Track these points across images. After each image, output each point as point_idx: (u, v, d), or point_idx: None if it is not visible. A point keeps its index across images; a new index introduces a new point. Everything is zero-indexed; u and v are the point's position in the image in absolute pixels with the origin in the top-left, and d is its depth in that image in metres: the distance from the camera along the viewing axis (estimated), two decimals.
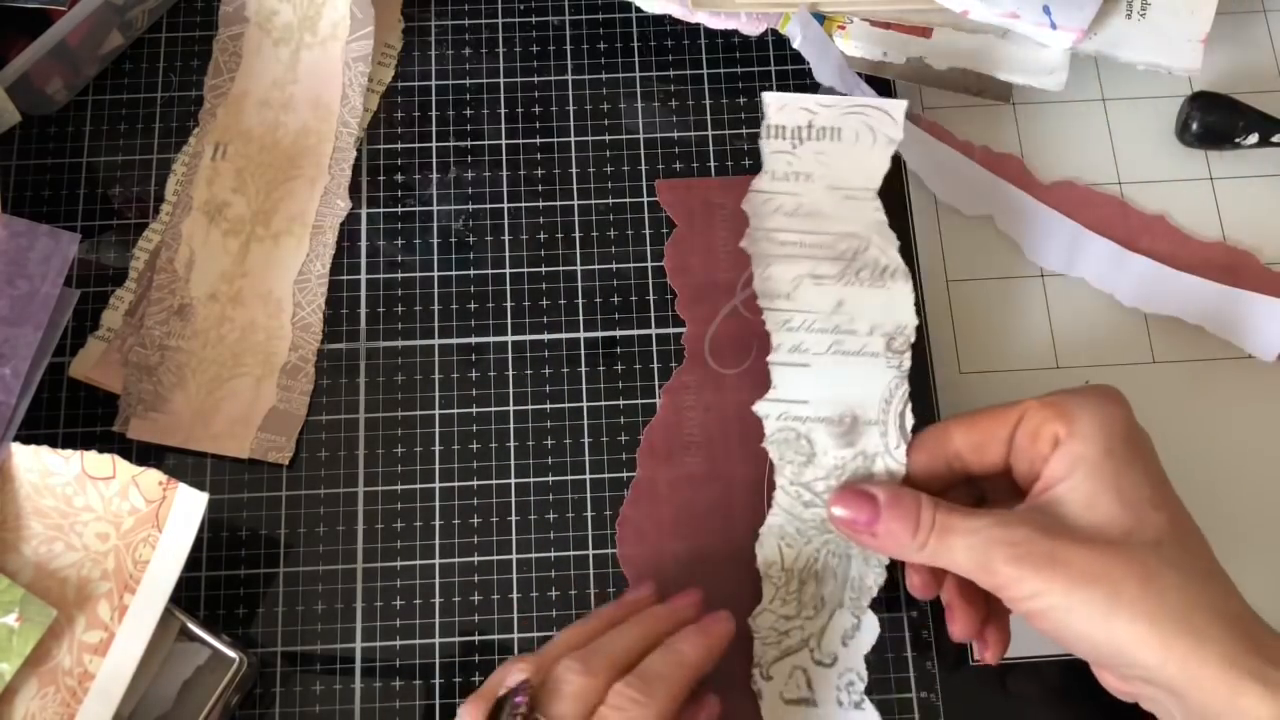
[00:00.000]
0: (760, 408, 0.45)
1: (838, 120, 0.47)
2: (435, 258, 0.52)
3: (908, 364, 0.45)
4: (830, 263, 0.45)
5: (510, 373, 0.50)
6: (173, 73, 0.54)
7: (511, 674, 0.39)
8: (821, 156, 0.47)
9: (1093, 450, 0.38)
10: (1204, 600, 0.36)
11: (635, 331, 0.51)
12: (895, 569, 0.47)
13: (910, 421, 0.45)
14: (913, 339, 0.45)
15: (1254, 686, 0.35)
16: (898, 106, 0.47)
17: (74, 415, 0.49)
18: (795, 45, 0.51)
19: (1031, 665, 0.46)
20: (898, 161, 0.52)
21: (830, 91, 0.52)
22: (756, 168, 0.53)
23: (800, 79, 0.54)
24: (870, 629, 0.45)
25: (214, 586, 0.47)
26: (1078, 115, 0.54)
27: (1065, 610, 0.37)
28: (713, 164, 0.53)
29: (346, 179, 0.52)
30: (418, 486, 0.49)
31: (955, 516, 0.39)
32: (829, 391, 0.45)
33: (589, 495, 0.48)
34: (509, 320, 0.51)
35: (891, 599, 0.47)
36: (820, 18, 0.51)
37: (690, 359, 0.49)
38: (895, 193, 0.53)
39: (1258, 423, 0.50)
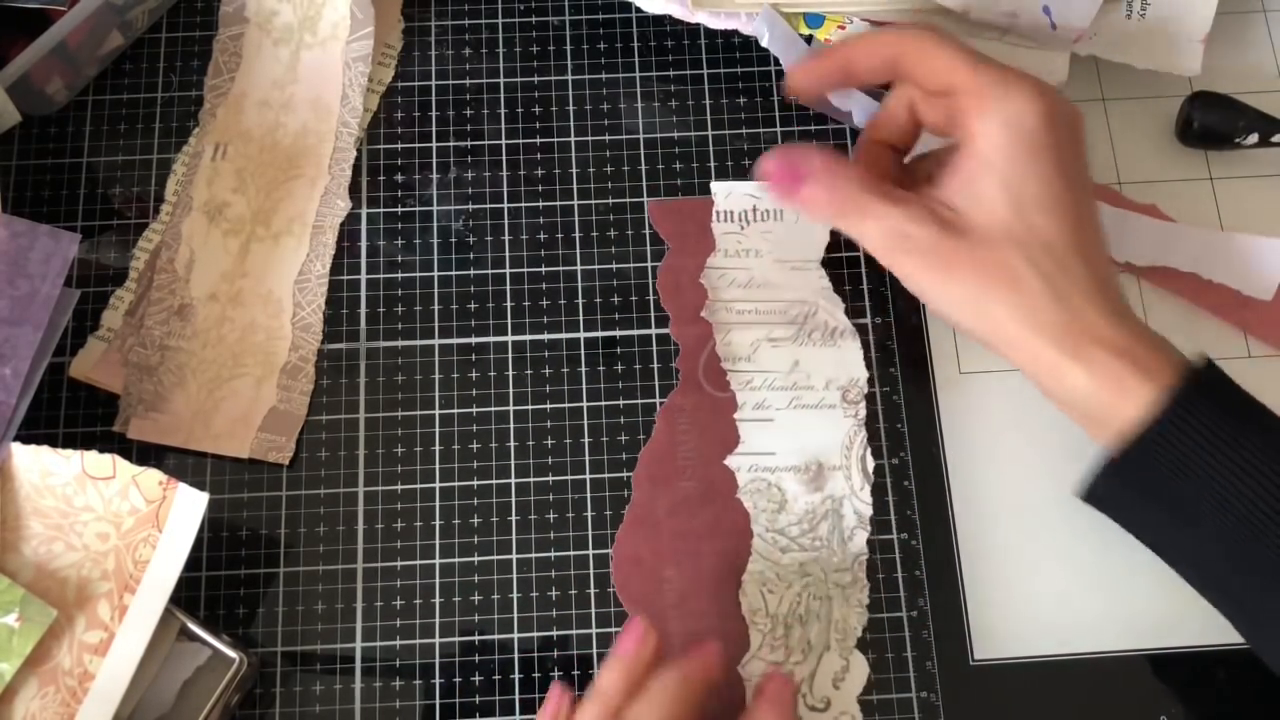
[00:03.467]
0: (732, 461, 0.48)
1: (778, 203, 0.52)
2: (435, 258, 0.52)
3: (863, 413, 0.49)
4: (784, 327, 0.50)
5: (510, 373, 0.50)
6: (173, 73, 0.54)
7: None
8: (768, 235, 0.51)
9: (997, 156, 0.41)
10: (1054, 299, 0.40)
11: (635, 331, 0.51)
12: (881, 592, 0.48)
13: (871, 464, 0.48)
14: (865, 390, 0.49)
15: (1075, 366, 0.39)
16: None
17: (74, 415, 0.49)
18: (764, 43, 0.52)
19: (1032, 665, 0.46)
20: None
21: (787, 117, 0.54)
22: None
23: None
24: (859, 669, 0.46)
25: (214, 586, 0.47)
26: None
27: (947, 302, 0.42)
28: (713, 164, 0.53)
29: (346, 179, 0.52)
30: (418, 486, 0.49)
31: (873, 200, 0.42)
32: (793, 442, 0.49)
33: (589, 495, 0.48)
34: (509, 320, 0.51)
35: (891, 599, 0.47)
36: (820, 18, 0.52)
37: (684, 382, 0.49)
38: None
39: None
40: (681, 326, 0.50)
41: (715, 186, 0.52)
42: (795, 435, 0.49)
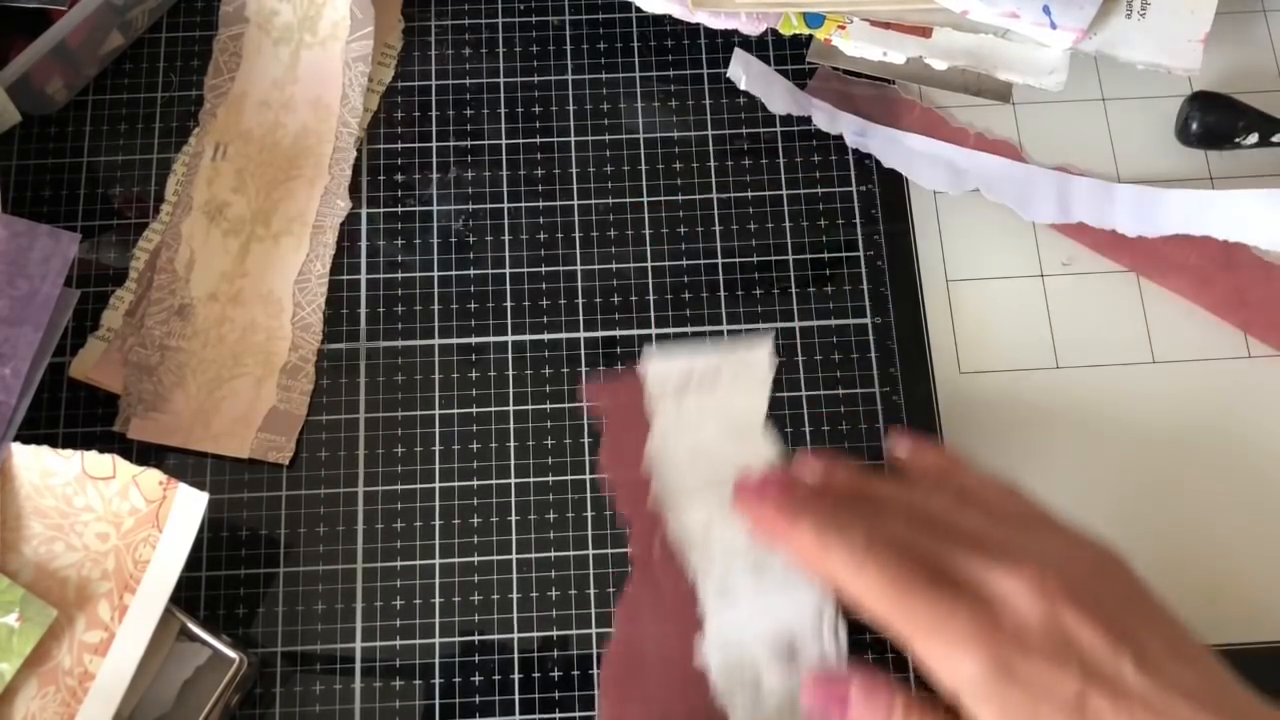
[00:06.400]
0: (701, 650, 0.45)
1: (713, 369, 0.49)
2: (435, 258, 0.52)
3: None
4: None
5: (510, 373, 0.50)
6: (173, 73, 0.54)
7: None
8: (705, 405, 0.48)
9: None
10: None
11: (635, 331, 0.51)
12: None
13: (844, 634, 0.45)
14: None
15: None
16: (762, 344, 0.49)
17: (74, 415, 0.49)
18: (743, 86, 0.52)
19: None
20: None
21: (787, 117, 0.53)
22: (756, 169, 0.53)
23: (800, 79, 0.54)
24: None
25: (214, 586, 0.47)
26: (1077, 115, 0.54)
27: None
28: (713, 164, 0.53)
29: (346, 179, 0.52)
30: (418, 486, 0.49)
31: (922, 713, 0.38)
32: (764, 623, 0.45)
33: (589, 495, 0.48)
34: (509, 320, 0.51)
35: None
36: (820, 18, 0.52)
37: (639, 570, 0.46)
38: (895, 193, 0.53)
39: (1258, 423, 0.50)
40: (630, 509, 0.47)
41: (648, 365, 0.49)
42: (764, 615, 0.46)
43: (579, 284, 0.52)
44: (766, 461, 0.47)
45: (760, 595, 0.46)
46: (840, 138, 0.53)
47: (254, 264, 0.51)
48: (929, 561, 0.38)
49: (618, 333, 0.51)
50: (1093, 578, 0.37)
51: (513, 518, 0.48)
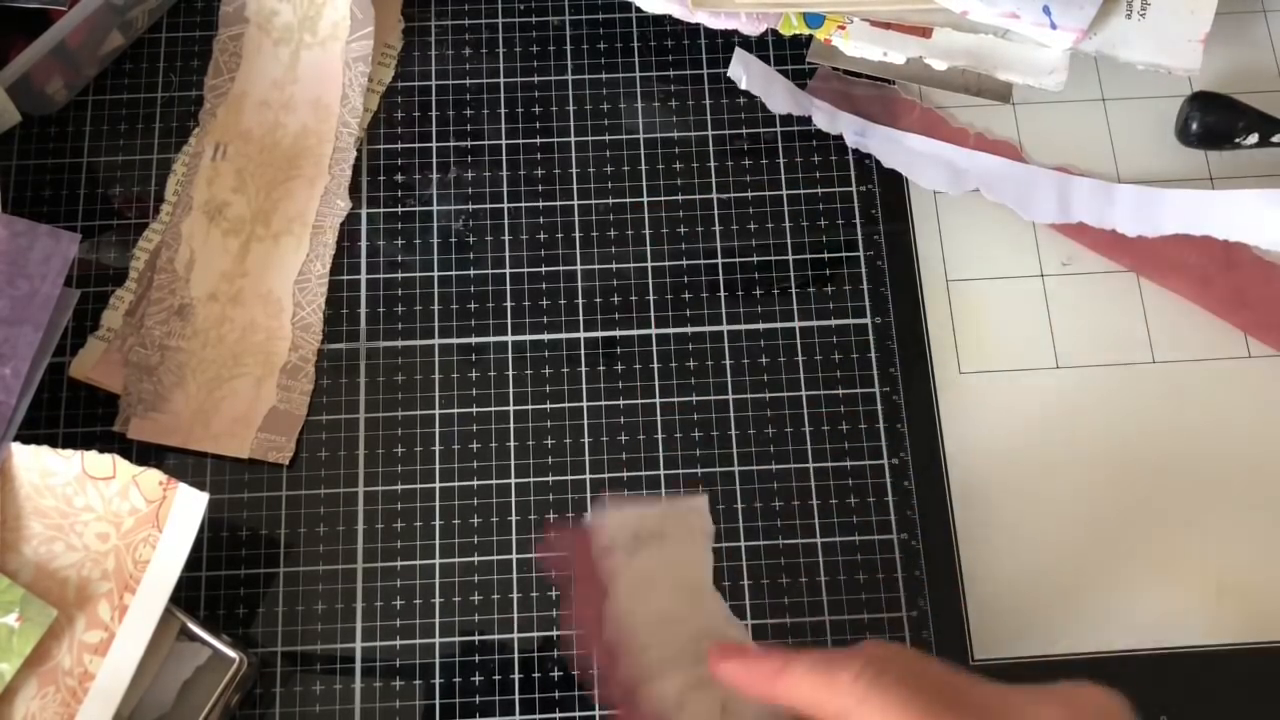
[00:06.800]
0: None
1: (658, 525, 0.43)
2: (435, 258, 0.52)
3: None
4: (703, 664, 0.42)
5: (510, 373, 0.50)
6: (173, 73, 0.54)
7: None
8: (655, 561, 0.43)
9: None
10: None
11: (635, 331, 0.51)
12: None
13: None
14: None
15: None
16: (701, 502, 0.44)
17: (74, 415, 0.49)
18: (743, 86, 0.52)
19: (1032, 665, 0.46)
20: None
21: (787, 117, 0.53)
22: (756, 169, 0.53)
23: (800, 79, 0.54)
24: None
25: (214, 586, 0.47)
26: (1077, 115, 0.54)
27: None
28: (713, 164, 0.53)
29: (346, 179, 0.52)
30: (418, 486, 0.49)
31: None
32: None
33: (588, 495, 0.48)
34: (509, 320, 0.51)
35: (891, 599, 0.47)
36: (820, 18, 0.52)
37: None
38: (895, 193, 0.53)
39: (1258, 423, 0.50)
40: (621, 688, 0.40)
41: (594, 517, 0.43)
42: None
43: (579, 284, 0.52)
44: (722, 619, 0.43)
45: None
46: (840, 138, 0.53)
47: (254, 264, 0.51)
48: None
49: (618, 333, 0.51)
50: None
51: (513, 518, 0.48)
